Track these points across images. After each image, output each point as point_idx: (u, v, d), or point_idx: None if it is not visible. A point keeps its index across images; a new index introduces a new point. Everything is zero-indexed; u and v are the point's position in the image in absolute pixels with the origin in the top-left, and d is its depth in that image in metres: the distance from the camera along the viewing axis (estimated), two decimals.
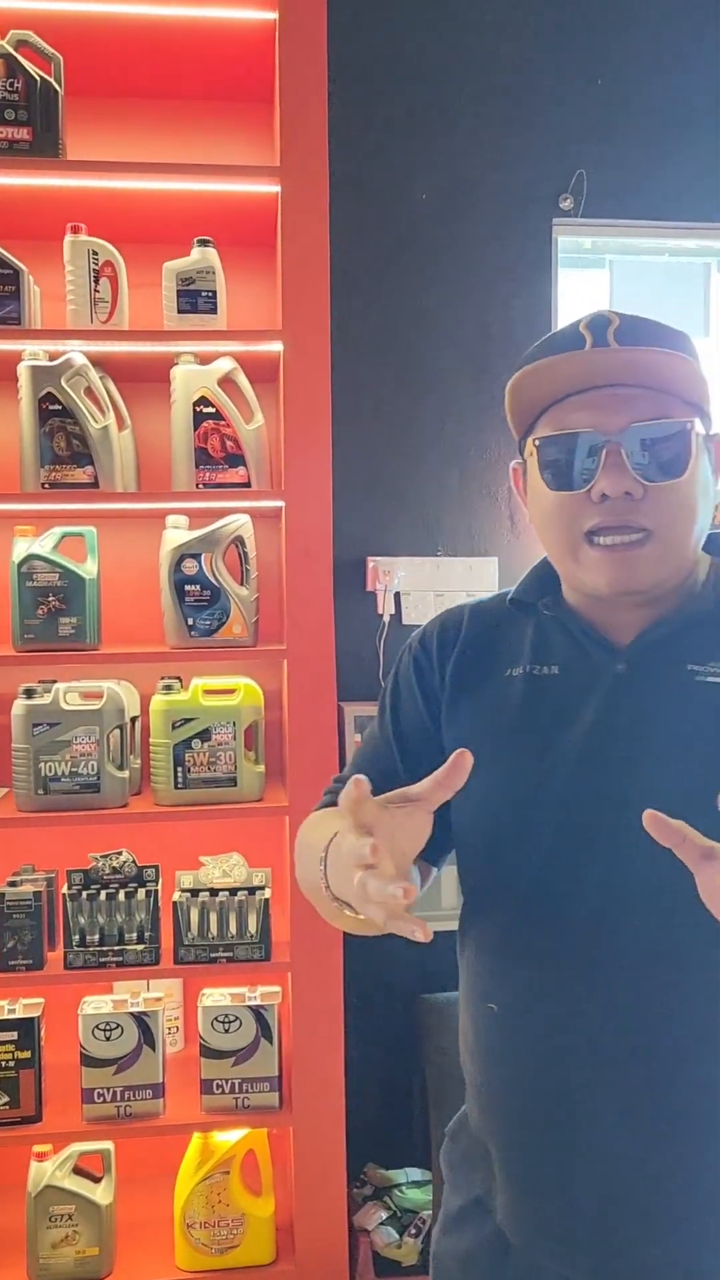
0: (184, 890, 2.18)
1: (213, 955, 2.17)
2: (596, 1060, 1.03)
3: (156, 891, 2.16)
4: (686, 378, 1.03)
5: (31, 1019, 2.15)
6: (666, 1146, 1.02)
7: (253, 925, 2.17)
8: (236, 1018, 2.20)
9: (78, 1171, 2.18)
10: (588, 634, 1.10)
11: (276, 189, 2.17)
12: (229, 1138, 2.23)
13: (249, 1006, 2.21)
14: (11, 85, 2.10)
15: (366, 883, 0.83)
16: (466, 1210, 1.16)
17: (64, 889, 2.15)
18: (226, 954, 2.17)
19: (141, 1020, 2.18)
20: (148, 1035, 2.18)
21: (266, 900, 2.17)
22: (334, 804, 1.20)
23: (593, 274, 2.88)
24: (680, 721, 1.04)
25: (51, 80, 2.13)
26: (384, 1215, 2.40)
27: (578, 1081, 1.04)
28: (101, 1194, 2.17)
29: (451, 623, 1.21)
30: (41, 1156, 2.16)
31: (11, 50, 2.10)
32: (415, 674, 1.22)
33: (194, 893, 2.17)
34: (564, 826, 1.06)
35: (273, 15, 2.13)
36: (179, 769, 2.18)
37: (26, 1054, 2.14)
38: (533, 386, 1.06)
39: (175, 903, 2.16)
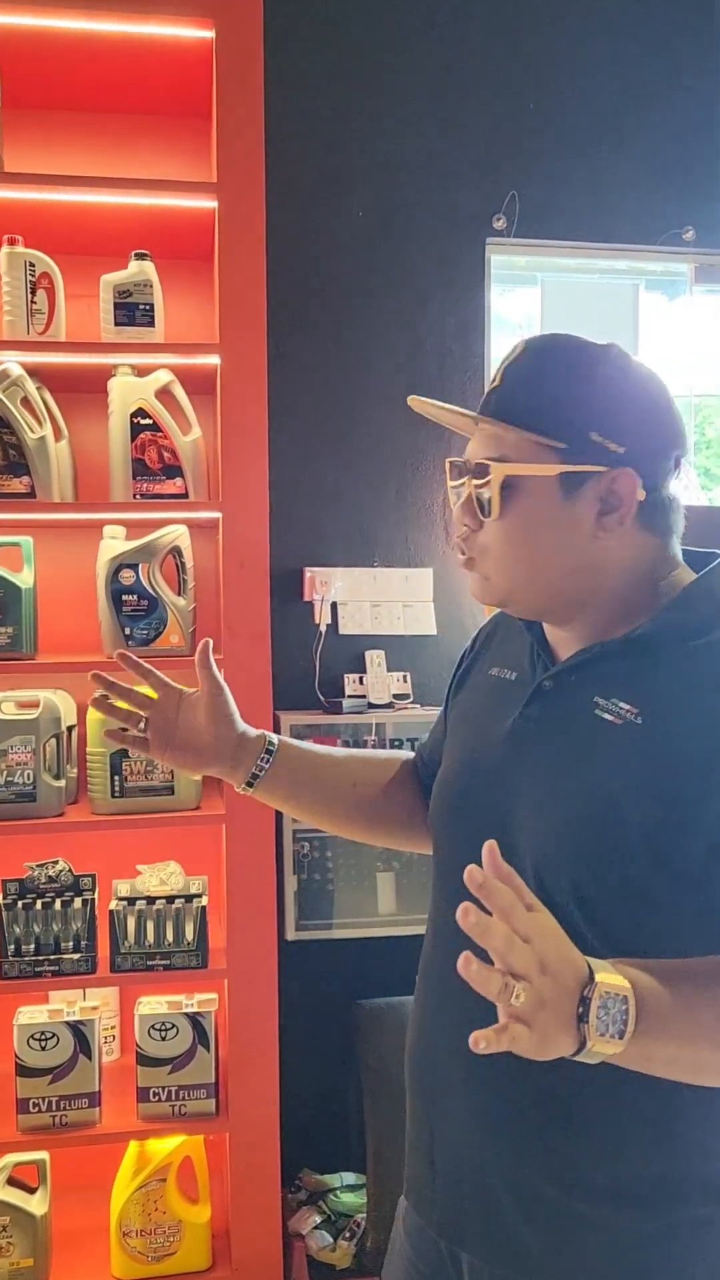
0: (121, 899, 2.19)
1: (149, 963, 2.18)
2: (461, 1038, 1.06)
3: (93, 900, 2.17)
4: (555, 423, 1.05)
5: None
6: (514, 1138, 1.06)
7: (190, 933, 2.18)
8: (173, 1025, 2.21)
9: (12, 1182, 2.18)
10: (540, 647, 1.17)
11: (214, 204, 2.20)
12: (166, 1145, 2.24)
13: (185, 1014, 2.22)
14: None
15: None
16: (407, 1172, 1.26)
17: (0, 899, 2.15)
18: (163, 962, 2.18)
19: (77, 1029, 2.18)
20: (84, 1044, 2.18)
21: (203, 908, 2.19)
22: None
23: (526, 291, 2.94)
24: (566, 748, 1.08)
25: None
26: (319, 1219, 2.43)
27: (447, 1059, 1.12)
28: (36, 1204, 2.16)
29: (489, 623, 1.33)
30: None
31: None
32: (458, 664, 1.35)
33: (131, 901, 2.18)
34: (470, 819, 1.14)
35: (209, 34, 2.16)
36: (116, 778, 2.19)
37: None
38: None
39: (112, 911, 2.17)
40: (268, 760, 1.28)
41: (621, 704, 1.05)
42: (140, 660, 1.29)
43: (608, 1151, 1.04)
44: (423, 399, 1.14)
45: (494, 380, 1.10)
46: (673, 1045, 0.92)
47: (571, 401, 1.06)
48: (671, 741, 1.00)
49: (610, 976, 0.88)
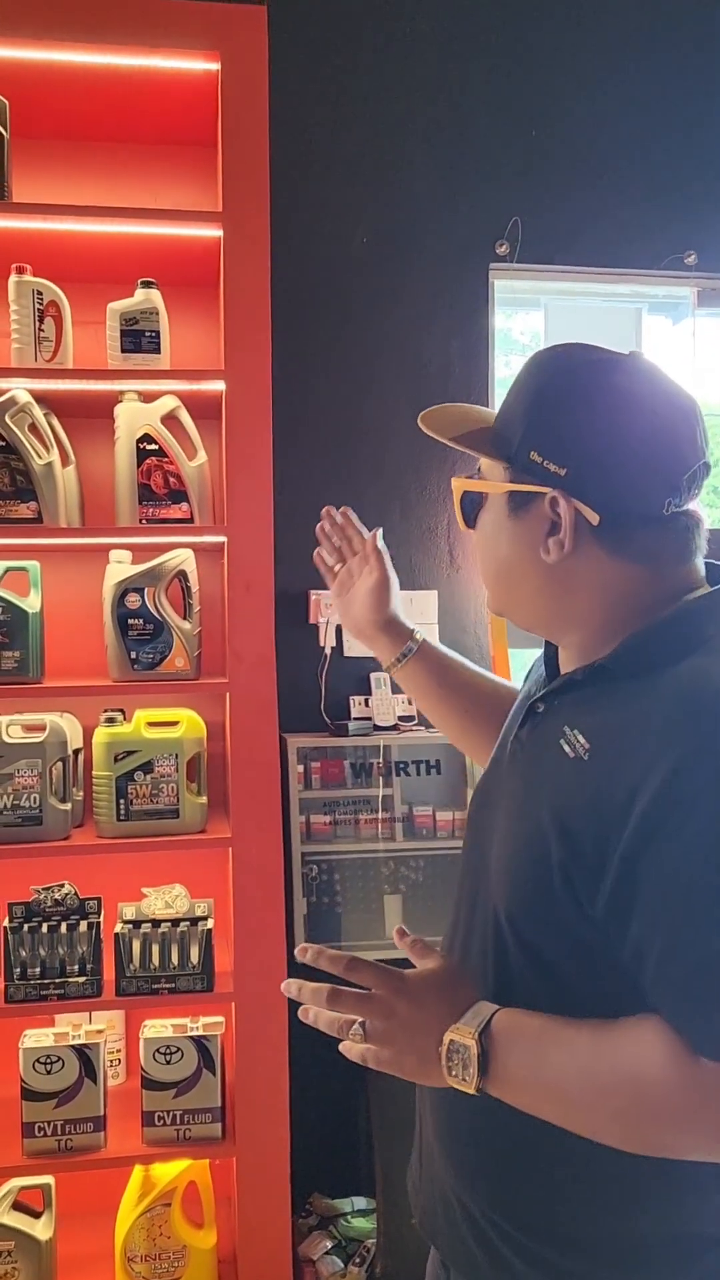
0: (126, 922, 2.19)
1: (154, 986, 2.18)
2: None
3: (98, 923, 2.17)
4: (501, 441, 1.09)
5: None
6: (458, 1163, 1.11)
7: (195, 956, 2.18)
8: (178, 1049, 2.21)
9: (17, 1207, 2.17)
10: (549, 671, 1.18)
11: (219, 233, 2.22)
12: (171, 1169, 2.23)
13: (191, 1037, 2.22)
14: None
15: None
16: None
17: (5, 922, 2.16)
18: (169, 985, 2.18)
19: (83, 1053, 2.18)
20: (89, 1068, 2.18)
21: (209, 931, 2.19)
22: None
23: (529, 314, 2.96)
24: (530, 778, 1.06)
25: None
26: (329, 1245, 2.42)
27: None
28: (41, 1229, 2.16)
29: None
30: None
31: None
32: None
33: (136, 924, 2.18)
34: (471, 839, 1.19)
35: (215, 66, 2.19)
36: (121, 801, 2.20)
37: None
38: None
39: (117, 934, 2.17)
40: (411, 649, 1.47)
41: (580, 737, 1.00)
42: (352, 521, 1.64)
43: (542, 1199, 1.05)
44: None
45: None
46: (525, 1097, 0.97)
47: (519, 419, 1.05)
48: (603, 782, 0.95)
49: (460, 1031, 0.97)
